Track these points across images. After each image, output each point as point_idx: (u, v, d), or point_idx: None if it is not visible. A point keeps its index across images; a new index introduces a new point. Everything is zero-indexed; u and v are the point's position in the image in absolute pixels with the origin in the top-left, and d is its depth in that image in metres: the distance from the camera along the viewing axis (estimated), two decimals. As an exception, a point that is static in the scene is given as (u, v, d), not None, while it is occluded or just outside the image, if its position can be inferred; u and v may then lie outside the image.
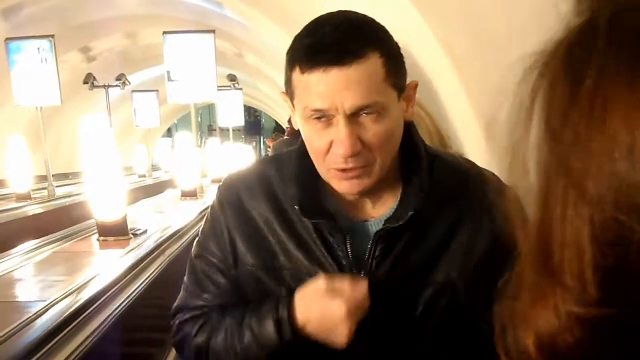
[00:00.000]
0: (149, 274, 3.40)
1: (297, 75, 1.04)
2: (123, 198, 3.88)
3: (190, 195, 7.08)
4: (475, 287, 1.08)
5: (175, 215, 5.54)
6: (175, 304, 1.28)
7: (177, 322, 1.26)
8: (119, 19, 10.50)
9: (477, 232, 1.13)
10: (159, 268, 3.58)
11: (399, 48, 1.07)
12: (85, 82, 12.65)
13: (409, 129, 1.15)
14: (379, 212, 1.16)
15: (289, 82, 1.07)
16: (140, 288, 3.20)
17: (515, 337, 0.45)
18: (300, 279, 1.12)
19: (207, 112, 29.67)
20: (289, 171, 1.18)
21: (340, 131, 1.02)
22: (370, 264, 1.11)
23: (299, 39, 1.04)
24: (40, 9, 9.19)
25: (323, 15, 1.05)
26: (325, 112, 1.02)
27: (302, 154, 1.16)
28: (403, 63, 1.08)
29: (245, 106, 18.22)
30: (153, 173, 15.49)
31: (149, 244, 3.84)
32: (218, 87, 8.49)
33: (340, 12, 1.06)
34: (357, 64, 0.99)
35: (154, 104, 14.86)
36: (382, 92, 1.02)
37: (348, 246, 1.12)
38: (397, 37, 1.08)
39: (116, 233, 3.93)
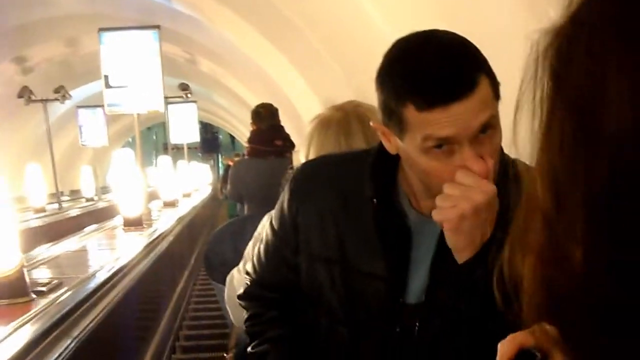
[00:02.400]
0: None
1: (411, 112, 1.06)
2: (15, 242, 2.61)
3: (134, 224, 5.82)
4: None
5: (111, 255, 4.31)
6: (247, 272, 1.43)
7: (248, 303, 1.41)
8: (55, 20, 9.35)
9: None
10: (67, 352, 2.34)
11: None
12: (20, 96, 11.40)
13: None
14: None
15: (395, 117, 1.09)
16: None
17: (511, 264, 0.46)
18: (348, 274, 1.22)
19: (162, 129, 28.69)
20: (365, 167, 1.22)
21: (467, 154, 1.06)
22: (435, 257, 1.17)
23: (399, 65, 1.09)
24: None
25: (415, 37, 1.09)
26: (449, 139, 1.06)
27: (381, 153, 1.19)
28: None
29: (200, 122, 17.37)
30: (105, 195, 14.17)
31: (57, 309, 2.60)
32: (168, 98, 7.40)
33: (433, 32, 1.10)
34: (474, 93, 1.04)
35: (100, 121, 14.06)
36: (492, 107, 1.08)
37: (412, 244, 1.20)
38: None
39: (10, 292, 2.68)
